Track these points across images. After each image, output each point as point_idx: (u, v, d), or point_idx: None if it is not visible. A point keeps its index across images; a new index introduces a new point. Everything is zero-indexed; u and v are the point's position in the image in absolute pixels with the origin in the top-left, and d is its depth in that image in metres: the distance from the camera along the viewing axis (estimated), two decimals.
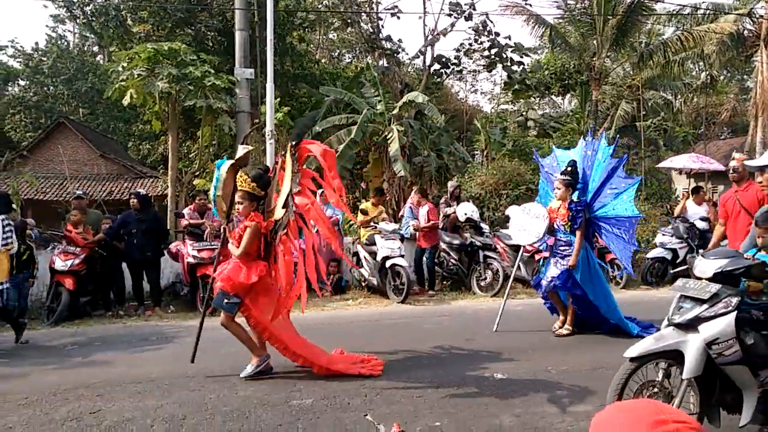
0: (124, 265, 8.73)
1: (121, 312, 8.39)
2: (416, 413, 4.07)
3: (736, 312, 3.30)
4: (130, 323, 7.78)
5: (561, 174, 6.29)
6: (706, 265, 3.49)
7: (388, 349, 5.79)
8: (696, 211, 10.21)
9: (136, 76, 11.45)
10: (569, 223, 6.15)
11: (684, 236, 9.91)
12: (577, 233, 6.10)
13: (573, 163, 6.32)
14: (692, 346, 3.34)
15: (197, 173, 14.09)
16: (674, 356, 3.42)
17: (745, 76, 30.06)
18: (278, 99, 15.47)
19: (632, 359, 3.46)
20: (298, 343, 5.10)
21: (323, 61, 23.20)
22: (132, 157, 23.82)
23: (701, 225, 9.97)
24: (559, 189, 6.21)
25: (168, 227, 10.99)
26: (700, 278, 3.51)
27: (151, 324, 7.69)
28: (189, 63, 11.79)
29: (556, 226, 6.32)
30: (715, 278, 3.41)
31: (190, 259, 8.32)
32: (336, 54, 25.50)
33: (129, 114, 23.05)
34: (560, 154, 6.81)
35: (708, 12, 20.44)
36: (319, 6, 19.44)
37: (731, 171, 6.10)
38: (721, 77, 27.93)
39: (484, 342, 6.10)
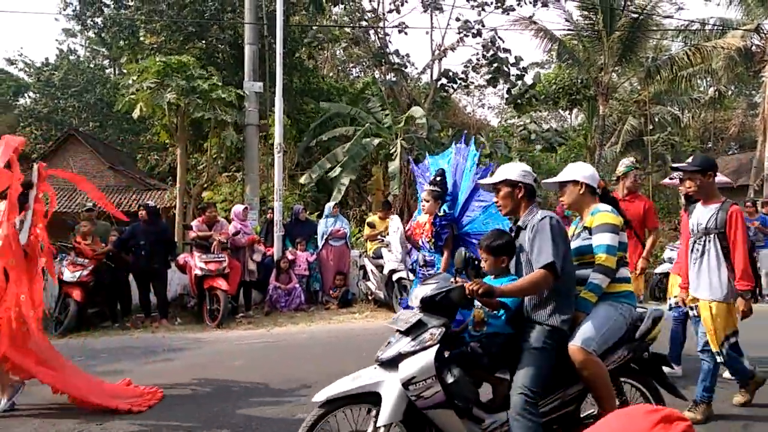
0: (131, 276, 8.77)
1: (128, 324, 8.41)
2: None
3: (437, 346, 2.88)
4: (137, 335, 7.79)
5: (429, 184, 5.51)
6: (418, 292, 3.09)
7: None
8: None
9: (145, 88, 11.56)
10: (433, 240, 5.37)
11: None
12: (444, 252, 5.29)
13: (441, 172, 5.57)
14: (390, 388, 2.89)
15: (205, 185, 14.16)
16: (374, 399, 2.94)
17: (753, 92, 29.99)
18: (286, 113, 15.58)
19: (322, 405, 2.96)
20: (49, 372, 4.53)
21: (330, 75, 23.35)
22: (140, 169, 23.98)
23: None
24: (427, 201, 5.37)
25: (176, 239, 11.05)
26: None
27: (158, 336, 7.70)
28: (197, 76, 11.90)
29: (421, 243, 5.62)
30: (426, 306, 3.00)
31: (198, 271, 8.34)
32: (342, 68, 25.67)
33: (138, 126, 23.23)
34: (432, 162, 5.98)
35: (716, 27, 20.47)
36: (328, 22, 19.59)
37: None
38: (729, 92, 27.89)
39: None
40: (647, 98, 21.16)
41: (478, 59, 18.39)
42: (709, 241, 4.20)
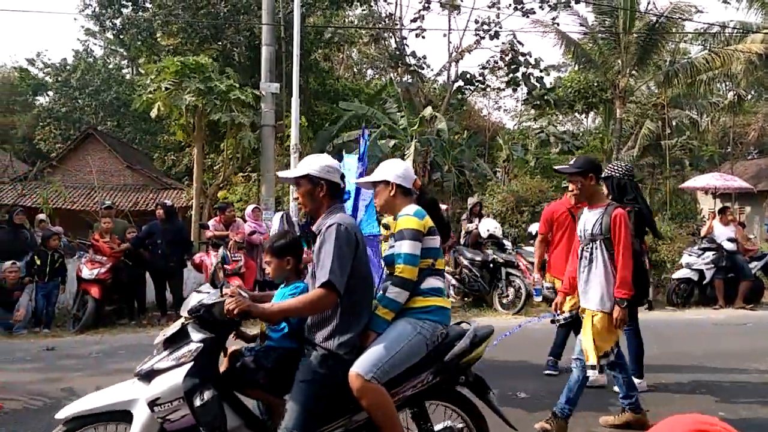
0: (147, 274, 8.84)
1: (144, 321, 8.48)
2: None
3: (191, 364, 2.62)
4: (153, 333, 7.85)
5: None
6: (190, 299, 2.84)
7: None
8: (723, 232, 10.04)
9: (163, 89, 11.67)
10: None
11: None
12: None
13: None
14: (141, 407, 2.63)
15: (221, 185, 14.25)
16: (123, 418, 2.69)
17: None
18: (302, 114, 15.64)
19: (66, 422, 2.67)
20: None
21: (346, 76, 23.41)
22: (157, 169, 24.19)
23: (728, 246, 9.79)
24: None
25: (192, 238, 11.12)
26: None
27: None
28: (215, 78, 11.99)
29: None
30: (196, 318, 2.71)
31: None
32: (358, 69, 25.73)
33: (154, 126, 23.44)
34: (347, 158, 5.54)
35: (735, 31, 20.22)
36: (345, 21, 19.66)
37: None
38: (749, 96, 27.54)
39: (506, 358, 6.03)
40: (665, 102, 20.95)
41: (495, 61, 18.37)
42: (596, 247, 3.93)
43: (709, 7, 29.63)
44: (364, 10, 18.64)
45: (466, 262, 9.95)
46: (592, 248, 3.96)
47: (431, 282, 2.94)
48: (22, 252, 8.37)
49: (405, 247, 2.83)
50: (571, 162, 4.13)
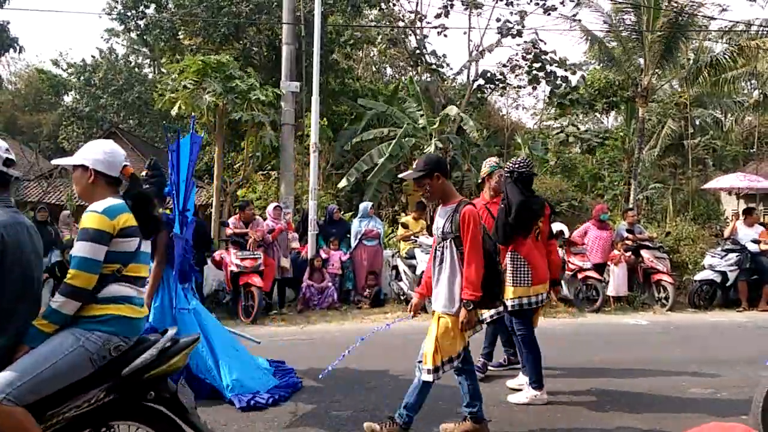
0: None
1: None
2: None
3: None
4: None
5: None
6: None
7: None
8: (747, 233, 9.87)
9: (184, 88, 11.79)
10: None
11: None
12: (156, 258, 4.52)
13: (153, 162, 5.02)
14: None
15: (241, 183, 14.37)
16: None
17: None
18: (321, 113, 15.70)
19: None
20: None
21: (365, 76, 23.43)
22: None
23: (752, 247, 9.63)
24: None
25: (212, 236, 11.23)
26: None
27: None
28: (236, 77, 12.09)
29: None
30: None
31: (233, 268, 8.48)
32: (377, 68, 25.74)
33: (176, 125, 23.67)
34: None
35: (762, 28, 19.86)
36: (364, 21, 19.67)
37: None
38: None
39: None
40: (688, 101, 20.64)
41: (516, 60, 18.24)
42: (446, 246, 3.78)
43: (734, 5, 29.00)
44: (382, 10, 18.62)
45: None
46: (443, 247, 3.82)
47: (114, 289, 2.62)
48: (46, 249, 8.50)
49: (81, 249, 2.52)
50: (414, 166, 4.08)
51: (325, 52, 17.68)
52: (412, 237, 9.83)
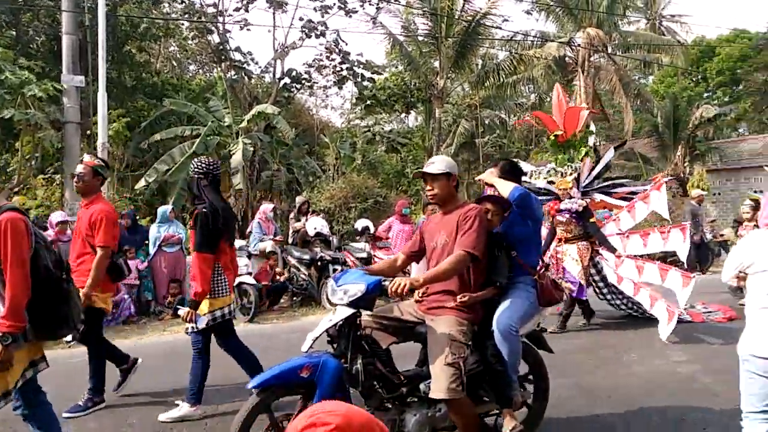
0: None
1: None
2: None
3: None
4: None
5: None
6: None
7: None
8: None
9: None
10: None
11: None
12: None
13: None
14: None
15: (17, 189, 12.66)
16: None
17: (583, 105, 33.17)
18: (117, 110, 14.47)
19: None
20: None
21: (165, 71, 22.09)
22: None
23: None
24: None
25: None
26: None
27: None
28: (6, 69, 10.62)
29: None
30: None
31: None
32: (178, 63, 24.42)
33: None
34: None
35: (536, 39, 22.56)
36: (156, 13, 18.44)
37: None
38: (549, 99, 30.80)
39: None
40: (478, 102, 22.69)
41: (321, 60, 18.48)
42: None
43: (515, 16, 32.62)
44: (183, 1, 17.66)
45: (294, 261, 9.91)
46: None
47: None
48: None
49: None
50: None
51: (118, 43, 16.33)
52: None
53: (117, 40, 16.07)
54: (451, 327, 3.13)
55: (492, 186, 3.80)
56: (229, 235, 4.45)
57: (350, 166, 16.76)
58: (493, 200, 3.66)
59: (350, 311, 3.01)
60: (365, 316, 3.24)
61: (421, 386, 3.19)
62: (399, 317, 3.43)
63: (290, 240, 10.86)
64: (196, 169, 4.36)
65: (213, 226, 4.15)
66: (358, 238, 10.92)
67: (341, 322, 3.05)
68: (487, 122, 23.88)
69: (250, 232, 10.21)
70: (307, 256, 9.90)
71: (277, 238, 10.07)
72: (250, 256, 9.39)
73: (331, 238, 10.23)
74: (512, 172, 3.84)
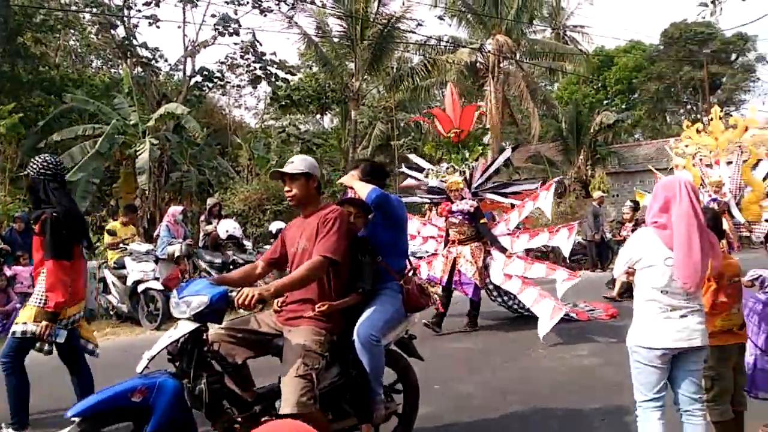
0: None
1: None
2: None
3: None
4: None
5: None
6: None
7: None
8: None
9: None
10: None
11: None
12: None
13: None
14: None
15: None
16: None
17: (480, 103, 34.34)
18: (11, 105, 13.49)
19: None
20: None
21: (65, 65, 20.81)
22: None
23: None
24: None
25: None
26: None
27: None
28: None
29: None
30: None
31: None
32: (80, 57, 23.08)
33: None
34: None
35: (448, 45, 23.12)
36: (53, 3, 17.34)
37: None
38: (462, 103, 31.60)
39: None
40: (393, 105, 22.94)
41: (234, 58, 18.03)
42: None
43: (428, 21, 33.30)
44: None
45: (204, 265, 9.63)
46: None
47: None
48: None
49: None
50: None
51: (11, 34, 15.22)
52: (122, 244, 9.02)
53: (9, 30, 14.98)
54: (307, 337, 2.97)
55: (353, 188, 3.71)
56: (85, 238, 4.19)
57: (264, 168, 16.45)
58: (355, 203, 3.55)
59: (193, 325, 2.77)
60: (215, 330, 3.03)
61: (277, 403, 3.01)
62: (256, 329, 3.21)
63: (201, 243, 10.52)
64: (42, 170, 4.06)
65: (66, 230, 3.87)
66: (272, 240, 10.74)
67: (183, 338, 2.80)
68: (402, 125, 24.19)
69: (158, 235, 9.80)
70: (218, 260, 9.65)
71: (188, 241, 9.72)
72: (157, 260, 8.99)
73: (244, 241, 10.01)
74: (374, 174, 3.72)
